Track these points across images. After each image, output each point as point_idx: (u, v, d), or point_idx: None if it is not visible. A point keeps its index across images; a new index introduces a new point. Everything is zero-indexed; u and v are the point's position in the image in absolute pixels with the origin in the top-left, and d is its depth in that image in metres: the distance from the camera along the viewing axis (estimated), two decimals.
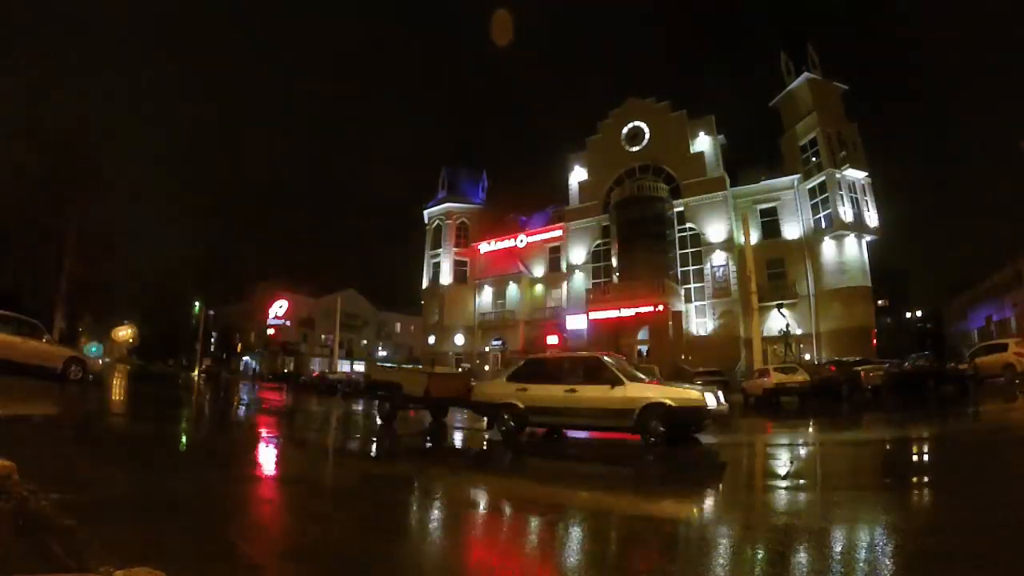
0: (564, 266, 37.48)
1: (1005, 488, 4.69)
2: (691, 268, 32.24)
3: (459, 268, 42.81)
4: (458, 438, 10.32)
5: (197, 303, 48.85)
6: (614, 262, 33.22)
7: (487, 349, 39.70)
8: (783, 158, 32.49)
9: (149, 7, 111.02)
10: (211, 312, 49.80)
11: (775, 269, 30.73)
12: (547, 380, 8.34)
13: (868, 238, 29.24)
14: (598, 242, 35.89)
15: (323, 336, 53.70)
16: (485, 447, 8.57)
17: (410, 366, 25.33)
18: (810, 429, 11.37)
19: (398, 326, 62.73)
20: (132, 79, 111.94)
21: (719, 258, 31.42)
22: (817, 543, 3.27)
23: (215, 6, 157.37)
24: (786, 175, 31.50)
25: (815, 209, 30.10)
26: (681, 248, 32.60)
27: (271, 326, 52.73)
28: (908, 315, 57.73)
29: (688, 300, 31.71)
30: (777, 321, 27.50)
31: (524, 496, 5.09)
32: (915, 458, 7.41)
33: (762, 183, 32.15)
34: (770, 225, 31.55)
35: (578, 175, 38.28)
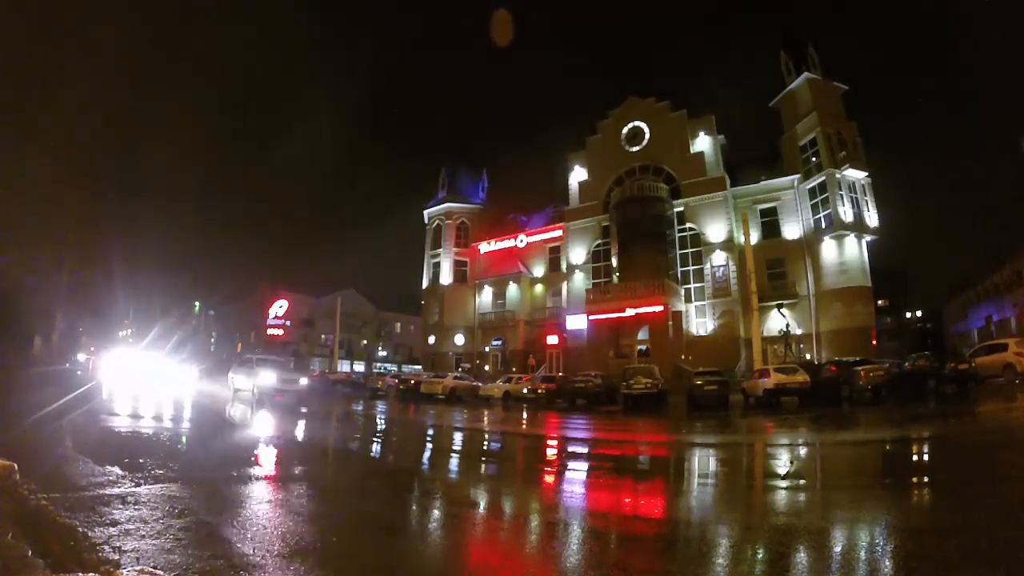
0: (564, 266, 37.42)
1: (1005, 488, 4.68)
2: (691, 268, 32.20)
3: (459, 268, 42.77)
4: None
5: (197, 303, 48.85)
6: (614, 262, 33.19)
7: (487, 349, 39.67)
8: (783, 158, 32.42)
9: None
10: (211, 312, 49.77)
11: (775, 269, 30.67)
12: None
13: (868, 238, 29.20)
14: (598, 242, 35.85)
15: (323, 336, 53.69)
16: None
17: None
18: (809, 429, 11.36)
19: (398, 326, 62.70)
20: (134, 68, 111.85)
21: (719, 258, 31.40)
22: (817, 543, 3.29)
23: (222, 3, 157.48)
24: (786, 175, 31.44)
25: (815, 209, 30.06)
26: (681, 248, 32.56)
27: (271, 326, 52.70)
28: (908, 315, 57.70)
29: (688, 300, 31.67)
30: (777, 321, 27.48)
31: None
32: (915, 458, 7.40)
33: (762, 183, 32.10)
34: (770, 225, 31.51)
35: (578, 175, 38.23)
